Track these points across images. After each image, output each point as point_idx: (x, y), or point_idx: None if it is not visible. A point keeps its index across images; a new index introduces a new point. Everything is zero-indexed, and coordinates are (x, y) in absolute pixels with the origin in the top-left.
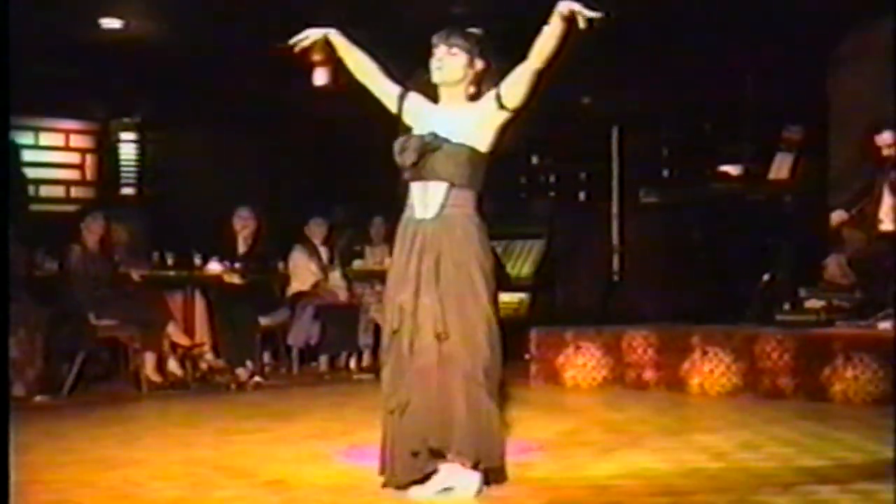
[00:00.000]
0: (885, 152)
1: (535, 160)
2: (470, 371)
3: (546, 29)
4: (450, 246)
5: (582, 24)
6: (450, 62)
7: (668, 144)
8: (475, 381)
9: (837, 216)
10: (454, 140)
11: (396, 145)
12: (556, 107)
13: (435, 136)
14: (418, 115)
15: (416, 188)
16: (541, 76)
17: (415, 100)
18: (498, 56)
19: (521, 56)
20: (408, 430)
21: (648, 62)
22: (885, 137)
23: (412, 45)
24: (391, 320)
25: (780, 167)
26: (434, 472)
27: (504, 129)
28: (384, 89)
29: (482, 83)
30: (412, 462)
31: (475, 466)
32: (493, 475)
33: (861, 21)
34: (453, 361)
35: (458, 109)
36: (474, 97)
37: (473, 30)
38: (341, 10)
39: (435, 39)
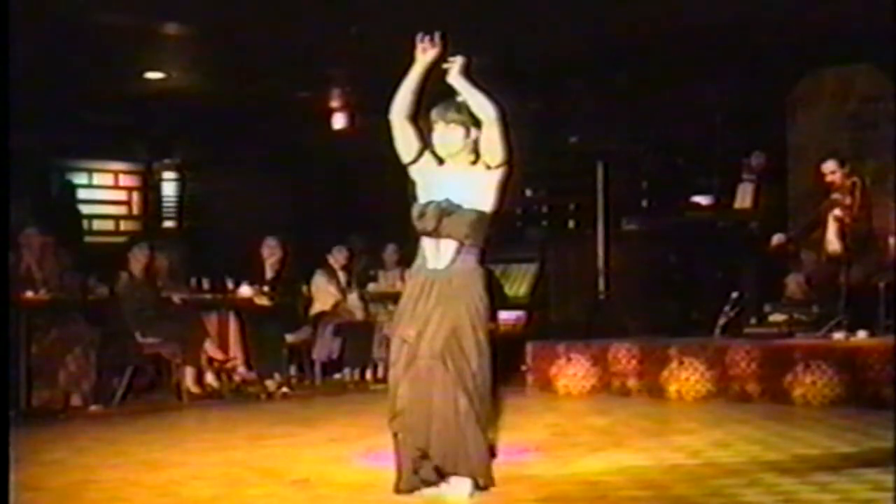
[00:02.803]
0: (829, 178)
1: (529, 193)
2: (462, 396)
3: (463, 91)
4: (455, 292)
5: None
6: (450, 136)
7: (647, 178)
8: (467, 406)
9: (777, 239)
10: (465, 205)
11: (415, 210)
12: (548, 145)
13: (449, 202)
14: (426, 173)
15: (428, 242)
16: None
17: (427, 159)
18: (498, 97)
19: (518, 94)
20: (405, 443)
21: (629, 105)
22: (828, 165)
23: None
24: (394, 352)
25: (744, 197)
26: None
27: (505, 185)
28: (409, 139)
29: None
30: (413, 473)
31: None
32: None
33: (813, 68)
34: (447, 386)
35: (463, 175)
36: (475, 161)
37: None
38: (354, 65)
39: (434, 115)
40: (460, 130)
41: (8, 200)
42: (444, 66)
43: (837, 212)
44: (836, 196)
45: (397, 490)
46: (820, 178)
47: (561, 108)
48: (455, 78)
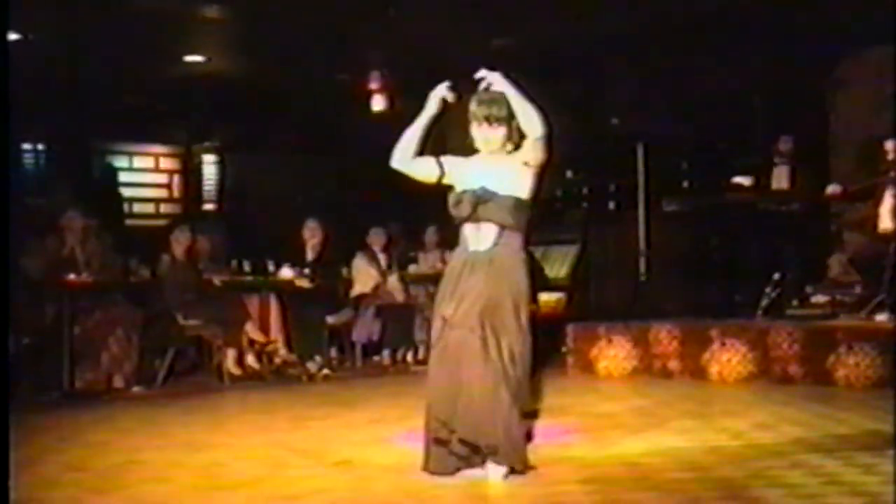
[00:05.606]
0: (892, 157)
1: (569, 174)
2: (497, 375)
3: (513, 102)
4: (495, 270)
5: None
6: (494, 135)
7: (688, 159)
8: (498, 382)
9: (832, 188)
10: (501, 192)
11: (451, 198)
12: (589, 127)
13: (485, 190)
14: (459, 172)
15: (469, 228)
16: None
17: (451, 161)
18: (533, 84)
19: (558, 76)
20: (429, 414)
21: (669, 87)
22: (891, 144)
23: (457, 77)
24: (435, 330)
25: (780, 178)
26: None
27: (542, 175)
28: (423, 170)
29: (520, 136)
30: (439, 446)
31: (490, 454)
32: (512, 467)
33: (853, 49)
34: (479, 359)
35: (500, 164)
36: (513, 150)
37: (499, 88)
38: (392, 47)
39: (476, 111)
40: (503, 129)
41: (9, 198)
42: (478, 77)
43: None
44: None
45: (425, 469)
46: (877, 157)
47: (602, 90)
48: (506, 87)
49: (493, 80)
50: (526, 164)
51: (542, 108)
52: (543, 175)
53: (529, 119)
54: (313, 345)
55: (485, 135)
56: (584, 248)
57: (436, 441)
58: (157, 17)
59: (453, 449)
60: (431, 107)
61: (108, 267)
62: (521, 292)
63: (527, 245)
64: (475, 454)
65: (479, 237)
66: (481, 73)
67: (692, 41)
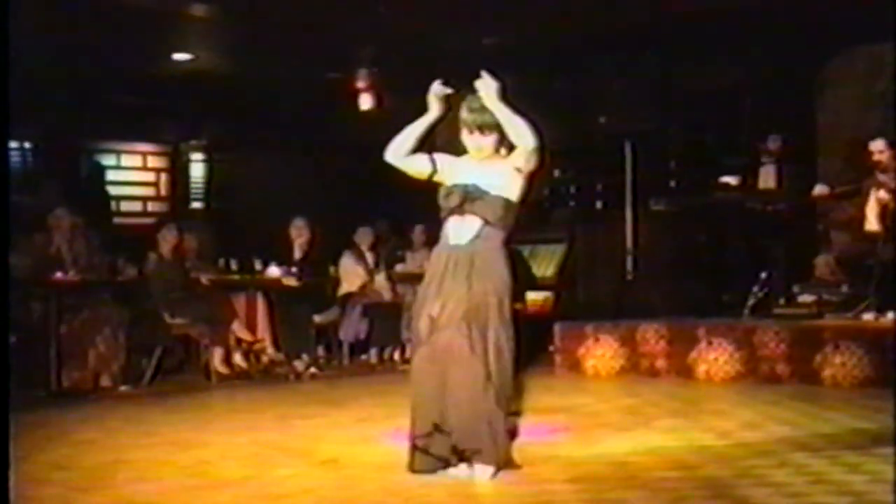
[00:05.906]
0: (876, 157)
1: (556, 173)
2: (483, 373)
3: (502, 119)
4: (477, 269)
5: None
6: (485, 142)
7: (675, 158)
8: (485, 383)
9: (819, 189)
10: (491, 192)
11: (442, 191)
12: (576, 126)
13: (476, 187)
14: (451, 170)
15: (453, 221)
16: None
17: (443, 159)
18: (521, 82)
19: (546, 74)
20: (417, 416)
21: (657, 86)
22: (877, 144)
23: (447, 74)
24: (421, 329)
25: (767, 178)
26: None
27: (532, 178)
28: (416, 166)
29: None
30: (424, 452)
31: (475, 454)
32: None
33: (841, 49)
34: (467, 360)
35: (492, 166)
36: (505, 154)
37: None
38: (381, 45)
39: (466, 118)
40: (495, 136)
41: (8, 200)
42: (477, 83)
43: (882, 194)
44: (882, 177)
45: (411, 469)
46: (863, 157)
47: (589, 87)
48: (493, 102)
49: (484, 94)
50: (518, 169)
51: (532, 121)
52: (533, 179)
53: (520, 134)
54: (300, 343)
55: (477, 142)
56: (571, 246)
57: (419, 443)
58: (144, 15)
59: (433, 451)
60: (434, 109)
61: (95, 265)
62: (504, 287)
63: (508, 243)
64: (456, 455)
65: (461, 230)
66: (484, 77)
67: (680, 40)
